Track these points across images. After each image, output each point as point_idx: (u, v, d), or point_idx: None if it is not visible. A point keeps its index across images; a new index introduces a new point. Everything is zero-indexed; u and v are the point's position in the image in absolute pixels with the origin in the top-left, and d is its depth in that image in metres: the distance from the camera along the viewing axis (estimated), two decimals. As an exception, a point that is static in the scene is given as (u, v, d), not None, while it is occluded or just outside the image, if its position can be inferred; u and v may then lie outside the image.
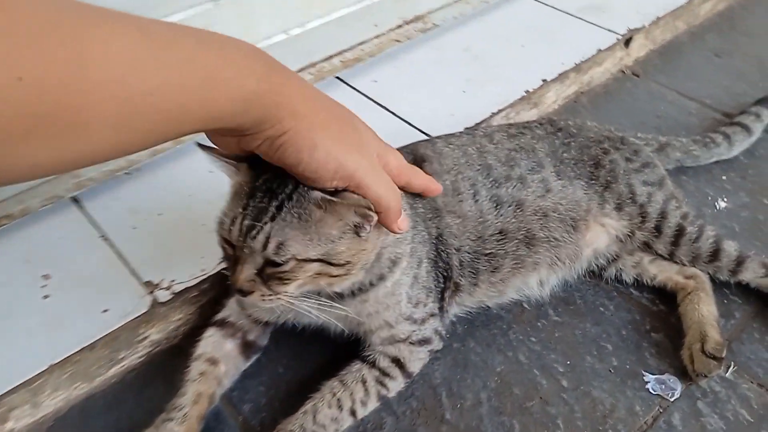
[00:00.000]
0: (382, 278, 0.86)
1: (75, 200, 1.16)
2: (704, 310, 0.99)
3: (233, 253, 0.77)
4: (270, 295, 0.77)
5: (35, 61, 0.44)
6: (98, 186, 1.17)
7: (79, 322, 0.95)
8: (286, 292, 0.77)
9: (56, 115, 0.46)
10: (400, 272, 0.87)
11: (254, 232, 0.73)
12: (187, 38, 0.56)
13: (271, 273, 0.75)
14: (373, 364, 0.91)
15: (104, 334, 0.93)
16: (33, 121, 0.45)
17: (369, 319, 0.90)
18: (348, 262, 0.77)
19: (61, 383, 0.91)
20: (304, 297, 0.80)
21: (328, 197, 0.71)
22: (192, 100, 0.56)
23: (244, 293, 0.76)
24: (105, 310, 0.96)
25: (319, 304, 0.82)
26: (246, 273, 0.75)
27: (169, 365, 0.97)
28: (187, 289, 1.00)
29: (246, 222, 0.73)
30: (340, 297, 0.85)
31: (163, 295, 0.99)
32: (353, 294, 0.86)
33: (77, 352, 0.91)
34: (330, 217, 0.73)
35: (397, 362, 0.91)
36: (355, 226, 0.75)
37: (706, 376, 0.93)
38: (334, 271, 0.77)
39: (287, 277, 0.76)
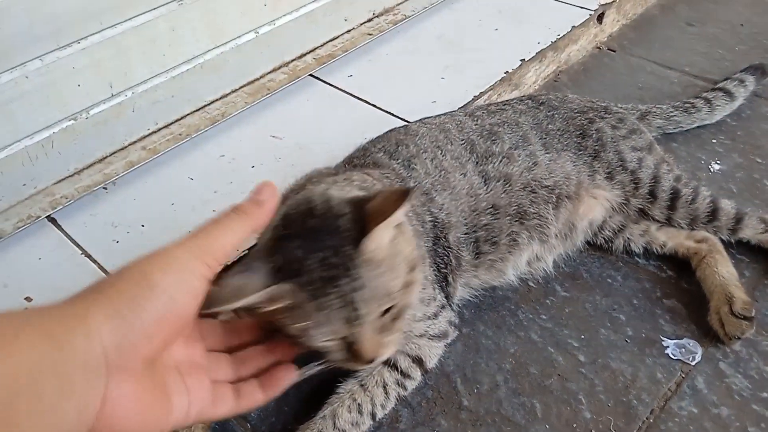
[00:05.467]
0: None
1: (51, 219, 1.10)
2: (724, 272, 0.96)
3: (343, 340, 0.66)
4: (394, 337, 0.69)
5: None
6: (74, 203, 1.12)
7: (67, 342, 0.89)
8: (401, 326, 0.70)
9: None
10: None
11: (355, 313, 0.63)
12: None
13: (385, 323, 0.67)
14: (393, 366, 0.86)
15: (95, 352, 0.88)
16: None
17: None
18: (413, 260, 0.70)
19: (53, 409, 0.85)
20: None
21: (364, 238, 0.63)
22: None
23: (373, 360, 0.68)
24: (94, 328, 0.91)
25: None
26: (372, 341, 0.66)
27: (167, 379, 0.91)
28: (179, 299, 0.95)
29: (345, 312, 0.63)
30: None
31: (155, 307, 0.93)
32: None
33: (68, 373, 0.85)
34: (378, 241, 0.64)
35: (418, 361, 0.87)
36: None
37: (739, 338, 0.91)
38: (416, 274, 0.69)
39: (400, 313, 0.68)
